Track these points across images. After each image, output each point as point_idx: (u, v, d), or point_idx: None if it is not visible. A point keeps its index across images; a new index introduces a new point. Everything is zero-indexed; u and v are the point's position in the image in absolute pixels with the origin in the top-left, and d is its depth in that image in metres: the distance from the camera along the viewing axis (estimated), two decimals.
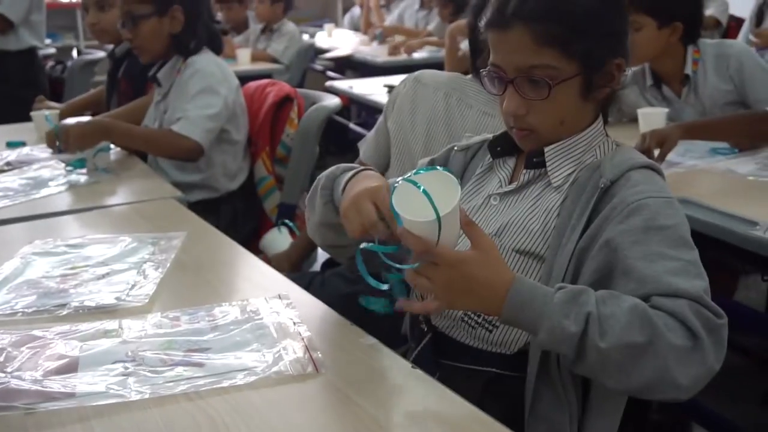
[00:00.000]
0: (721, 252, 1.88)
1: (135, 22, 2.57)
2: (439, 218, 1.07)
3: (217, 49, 2.75)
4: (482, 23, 1.31)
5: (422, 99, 2.00)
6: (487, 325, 1.29)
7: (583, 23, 1.23)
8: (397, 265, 1.16)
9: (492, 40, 1.28)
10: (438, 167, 1.20)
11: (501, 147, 1.39)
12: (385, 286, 1.22)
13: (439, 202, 1.08)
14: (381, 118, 2.12)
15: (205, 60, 2.64)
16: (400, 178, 1.15)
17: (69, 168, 2.41)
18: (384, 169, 2.05)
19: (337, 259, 1.51)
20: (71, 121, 2.50)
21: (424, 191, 1.09)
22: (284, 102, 2.84)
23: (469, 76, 1.98)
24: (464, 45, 2.28)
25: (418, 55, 5.45)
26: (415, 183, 1.11)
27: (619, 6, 1.29)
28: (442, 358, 1.35)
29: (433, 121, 1.95)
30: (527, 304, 1.09)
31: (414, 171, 1.17)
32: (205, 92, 2.56)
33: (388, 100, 2.11)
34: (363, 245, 1.18)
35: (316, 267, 2.32)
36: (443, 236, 1.09)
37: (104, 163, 2.42)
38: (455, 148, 1.48)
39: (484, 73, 1.31)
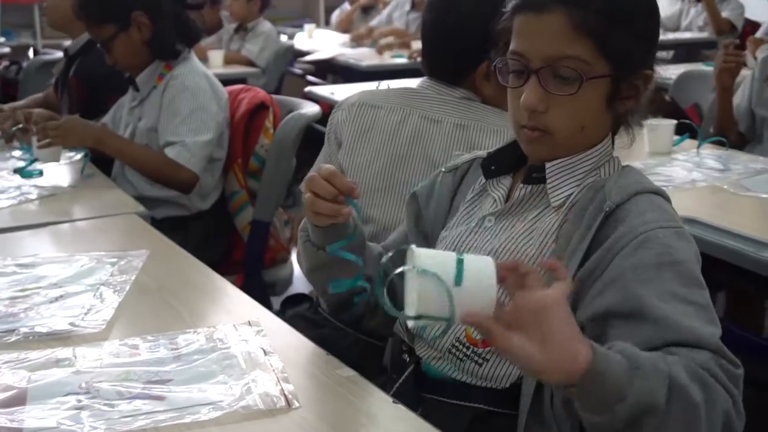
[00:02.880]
0: (736, 278, 1.88)
1: (106, 46, 2.64)
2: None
3: (194, 38, 2.77)
4: (508, 7, 1.29)
5: (374, 126, 1.84)
6: (476, 358, 1.29)
7: (626, 19, 1.23)
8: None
9: (520, 25, 1.26)
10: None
11: (495, 165, 1.37)
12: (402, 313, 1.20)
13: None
14: (321, 159, 1.95)
15: (192, 73, 2.67)
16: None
17: (18, 173, 2.41)
18: None
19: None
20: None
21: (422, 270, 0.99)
22: (259, 109, 2.83)
23: (422, 80, 1.88)
24: None
25: (402, 60, 5.43)
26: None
27: (658, 14, 1.29)
28: (425, 391, 1.35)
29: (395, 150, 1.80)
30: (609, 372, 0.98)
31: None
32: (197, 111, 2.61)
33: (327, 134, 1.93)
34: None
35: (276, 305, 2.23)
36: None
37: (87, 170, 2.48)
38: (442, 170, 1.47)
39: (500, 63, 1.29)
